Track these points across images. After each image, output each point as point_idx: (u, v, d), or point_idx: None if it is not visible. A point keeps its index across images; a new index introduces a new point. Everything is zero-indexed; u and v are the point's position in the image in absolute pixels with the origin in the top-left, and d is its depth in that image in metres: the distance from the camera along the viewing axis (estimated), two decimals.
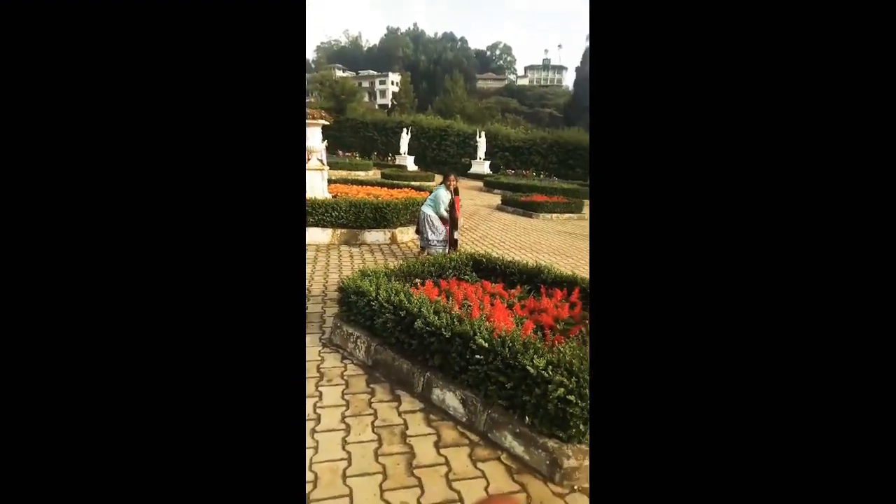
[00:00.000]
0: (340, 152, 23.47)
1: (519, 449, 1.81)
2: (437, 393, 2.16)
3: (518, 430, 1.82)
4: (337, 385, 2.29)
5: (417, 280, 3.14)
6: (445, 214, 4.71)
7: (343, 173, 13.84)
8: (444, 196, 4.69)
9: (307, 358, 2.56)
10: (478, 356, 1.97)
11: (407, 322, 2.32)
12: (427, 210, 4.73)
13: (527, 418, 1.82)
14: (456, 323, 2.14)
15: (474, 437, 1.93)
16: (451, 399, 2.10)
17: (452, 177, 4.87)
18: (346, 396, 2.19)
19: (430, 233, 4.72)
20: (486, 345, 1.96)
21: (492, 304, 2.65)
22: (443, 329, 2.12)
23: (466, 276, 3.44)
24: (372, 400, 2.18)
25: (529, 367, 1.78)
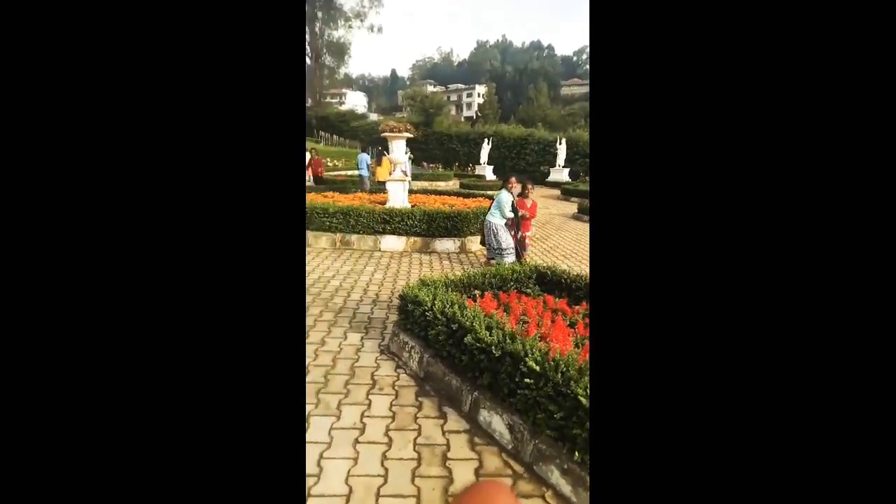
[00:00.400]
0: (425, 164, 24.38)
1: (566, 488, 1.61)
2: (484, 414, 2.04)
3: (566, 467, 1.62)
4: (387, 395, 2.29)
5: (476, 291, 3.05)
6: (511, 215, 4.54)
7: (425, 184, 14.31)
8: (506, 198, 4.52)
9: (364, 363, 2.62)
10: (527, 379, 1.82)
11: (458, 336, 2.24)
12: (492, 219, 4.60)
13: (577, 454, 1.62)
14: (507, 341, 2.01)
15: (518, 469, 1.77)
16: (497, 423, 1.97)
17: (513, 179, 4.68)
18: (394, 408, 2.18)
19: (496, 242, 4.58)
20: (538, 368, 1.80)
21: (552, 322, 2.45)
22: (493, 347, 2.01)
23: (528, 290, 3.25)
24: (418, 414, 2.13)
25: (582, 398, 1.58)
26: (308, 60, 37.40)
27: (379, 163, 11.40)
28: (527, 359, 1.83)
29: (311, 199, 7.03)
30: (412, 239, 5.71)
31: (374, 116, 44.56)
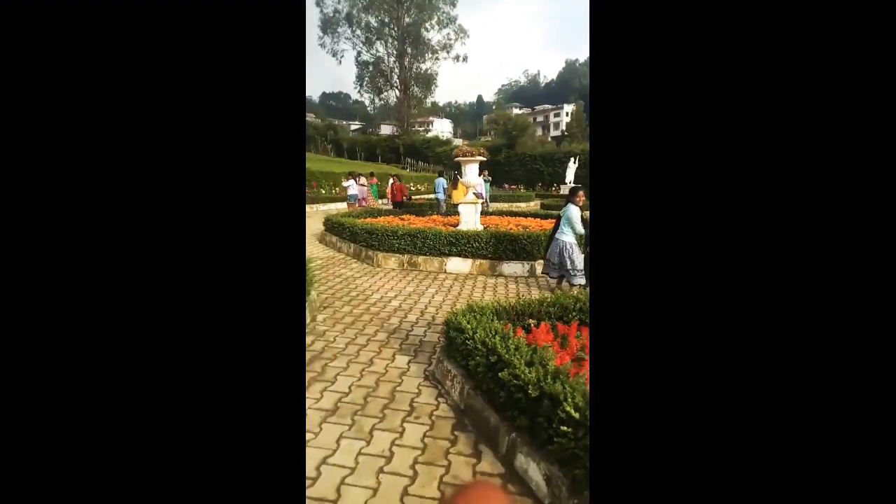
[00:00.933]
0: (507, 185, 24.30)
1: None
2: (520, 459, 1.83)
3: None
4: (423, 424, 2.20)
5: (532, 321, 2.84)
6: (582, 231, 4.19)
7: (504, 206, 14.20)
8: (575, 213, 4.18)
9: (406, 388, 2.56)
10: (564, 427, 1.59)
11: (497, 368, 2.07)
12: (563, 237, 4.26)
13: None
14: (548, 380, 1.79)
15: None
16: (534, 471, 1.75)
17: (581, 193, 4.31)
18: (427, 439, 2.07)
19: (569, 262, 4.24)
20: (577, 415, 1.56)
21: None
22: (529, 385, 1.81)
23: None
24: (451, 450, 2.00)
25: None
26: (396, 92, 40.28)
27: (455, 186, 11.65)
28: (565, 403, 1.61)
29: (388, 221, 7.38)
30: (478, 261, 5.62)
31: (458, 141, 46.07)
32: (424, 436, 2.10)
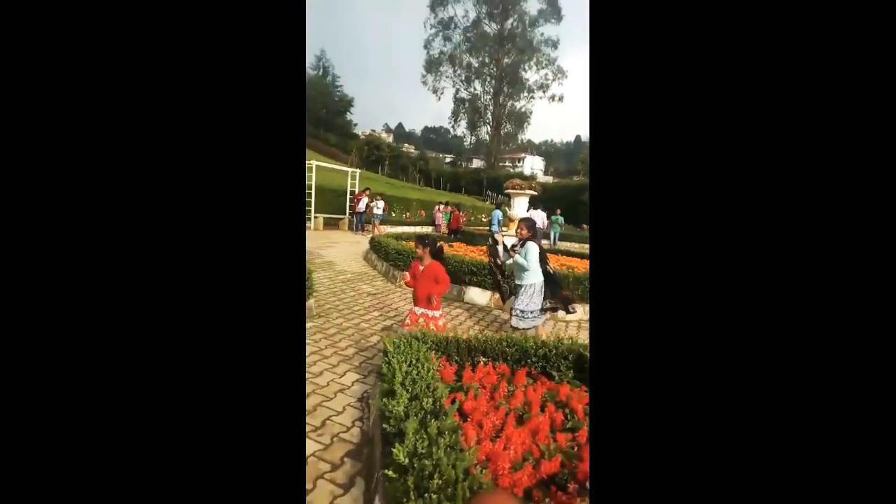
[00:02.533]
0: (584, 226, 23.13)
1: None
2: (377, 501, 1.64)
3: None
4: (319, 443, 2.10)
5: (483, 359, 2.60)
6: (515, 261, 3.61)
7: (572, 245, 13.49)
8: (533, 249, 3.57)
9: (333, 406, 2.49)
10: (388, 470, 1.39)
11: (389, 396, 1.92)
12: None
13: None
14: (414, 417, 1.61)
15: None
16: None
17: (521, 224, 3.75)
18: (312, 458, 1.97)
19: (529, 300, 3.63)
20: (405, 460, 1.37)
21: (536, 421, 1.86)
22: (392, 419, 1.64)
23: (556, 374, 2.57)
24: (326, 474, 1.87)
25: None
26: (488, 128, 41.47)
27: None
28: (399, 445, 1.42)
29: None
30: (496, 295, 5.36)
31: (546, 178, 45.55)
32: (313, 453, 2.01)
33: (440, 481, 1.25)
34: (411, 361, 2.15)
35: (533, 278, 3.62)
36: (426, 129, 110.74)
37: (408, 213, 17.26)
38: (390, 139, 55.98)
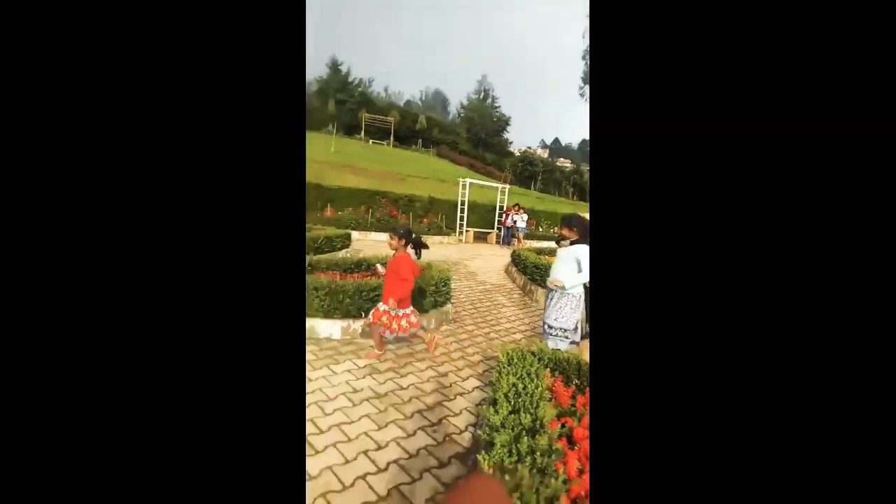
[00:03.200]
0: None
1: None
2: None
3: None
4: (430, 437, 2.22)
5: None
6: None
7: None
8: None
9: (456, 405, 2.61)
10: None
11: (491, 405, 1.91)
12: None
13: None
14: (511, 431, 1.58)
15: None
16: None
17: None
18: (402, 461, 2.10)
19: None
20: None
21: None
22: (488, 428, 1.63)
23: None
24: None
25: None
26: None
27: None
28: (482, 455, 1.41)
29: None
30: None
31: None
32: (425, 447, 2.14)
33: (519, 502, 1.19)
34: (521, 375, 2.10)
35: (576, 286, 3.03)
36: (583, 141, 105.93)
37: (555, 228, 16.76)
38: (545, 154, 55.50)
